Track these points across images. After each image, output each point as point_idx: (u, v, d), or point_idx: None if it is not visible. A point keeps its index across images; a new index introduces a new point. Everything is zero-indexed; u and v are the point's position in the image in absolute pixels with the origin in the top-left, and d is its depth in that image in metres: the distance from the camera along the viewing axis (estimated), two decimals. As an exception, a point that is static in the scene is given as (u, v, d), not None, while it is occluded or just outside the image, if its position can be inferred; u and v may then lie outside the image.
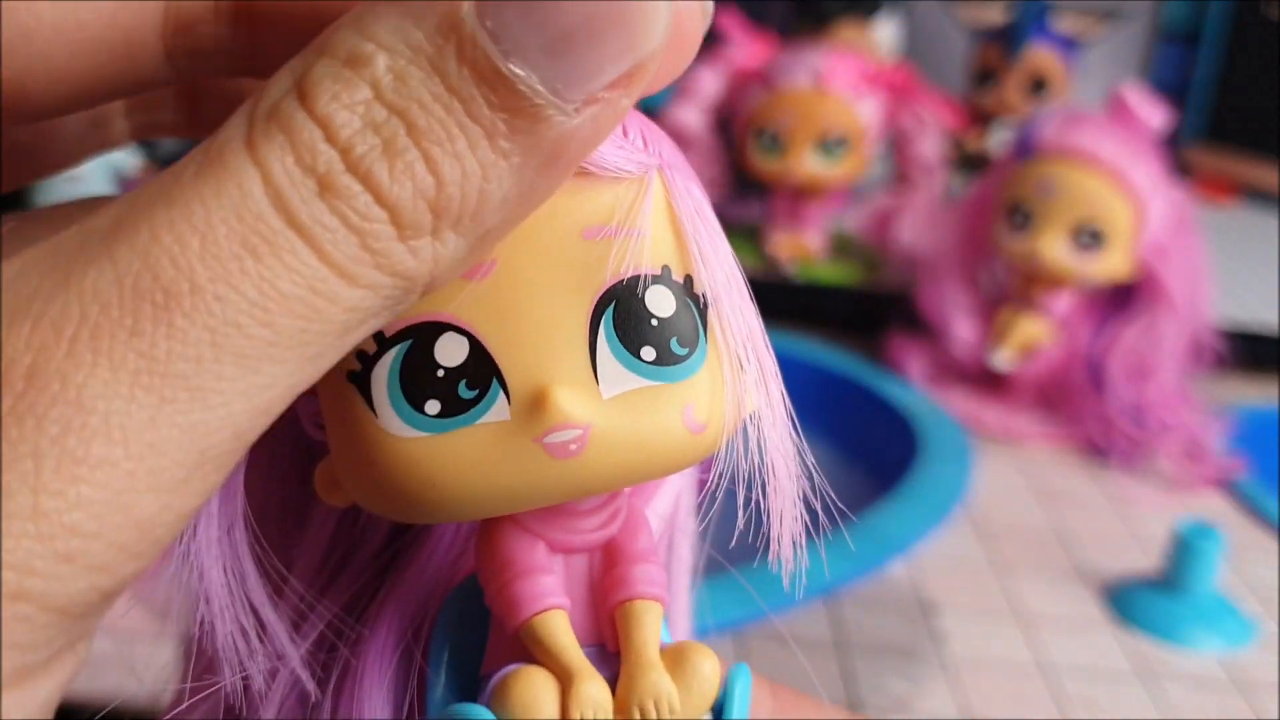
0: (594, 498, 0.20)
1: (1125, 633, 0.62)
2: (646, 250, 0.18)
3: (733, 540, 0.21)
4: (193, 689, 0.21)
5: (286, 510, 0.22)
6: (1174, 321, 0.82)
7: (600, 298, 0.18)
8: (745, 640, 0.56)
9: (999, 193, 0.85)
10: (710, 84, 1.02)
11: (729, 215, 0.97)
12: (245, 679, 0.20)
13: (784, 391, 0.20)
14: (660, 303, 0.18)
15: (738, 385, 0.19)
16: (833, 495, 0.20)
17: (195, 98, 0.24)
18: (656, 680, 0.19)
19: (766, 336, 0.20)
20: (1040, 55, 1.20)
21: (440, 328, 0.18)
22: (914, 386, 0.87)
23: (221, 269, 0.15)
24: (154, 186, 0.15)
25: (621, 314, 0.18)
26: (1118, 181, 0.80)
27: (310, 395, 0.19)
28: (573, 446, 0.18)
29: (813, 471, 0.20)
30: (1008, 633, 0.61)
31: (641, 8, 0.15)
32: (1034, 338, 0.85)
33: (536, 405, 0.18)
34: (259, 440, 0.16)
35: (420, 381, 0.18)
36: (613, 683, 0.19)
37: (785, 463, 0.20)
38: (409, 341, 0.18)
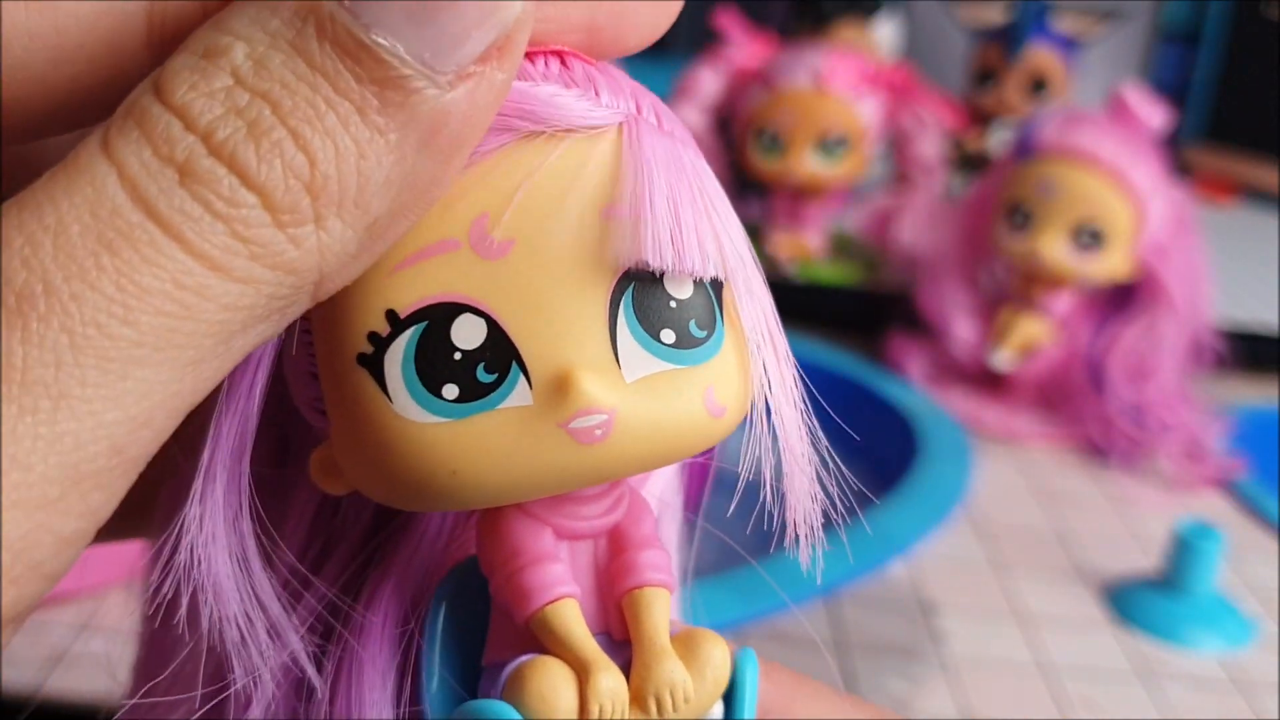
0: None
1: (1125, 633, 0.62)
2: None
3: (748, 529, 0.21)
4: (204, 694, 0.20)
5: (266, 500, 0.21)
6: (1174, 322, 0.82)
7: (619, 279, 0.18)
8: (745, 640, 0.55)
9: (999, 193, 0.85)
10: (710, 84, 1.02)
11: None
12: (254, 675, 0.19)
13: (798, 372, 0.20)
14: (678, 284, 0.18)
15: (755, 367, 0.19)
16: (849, 478, 0.20)
17: None
18: (671, 669, 0.19)
19: (778, 317, 0.20)
20: (1040, 55, 1.20)
21: (457, 308, 0.17)
22: (914, 386, 0.87)
23: (77, 268, 0.14)
24: (14, 198, 0.15)
25: (641, 296, 0.18)
26: (1118, 181, 0.80)
27: (311, 379, 0.18)
28: (598, 432, 0.17)
29: (826, 456, 0.20)
30: (1008, 633, 0.61)
31: None
32: (1034, 338, 0.84)
33: (561, 390, 0.17)
34: (232, 428, 0.15)
35: (437, 364, 0.17)
36: (623, 670, 0.19)
37: (800, 446, 0.20)
38: (425, 323, 0.17)
